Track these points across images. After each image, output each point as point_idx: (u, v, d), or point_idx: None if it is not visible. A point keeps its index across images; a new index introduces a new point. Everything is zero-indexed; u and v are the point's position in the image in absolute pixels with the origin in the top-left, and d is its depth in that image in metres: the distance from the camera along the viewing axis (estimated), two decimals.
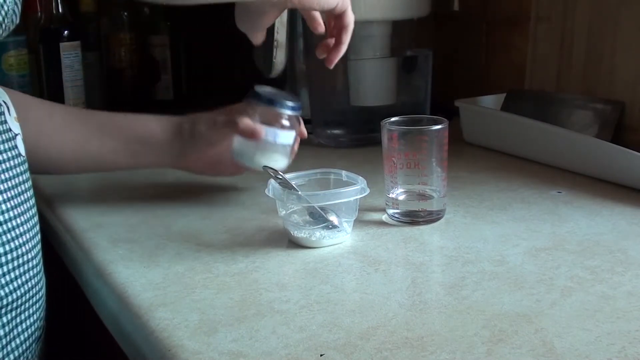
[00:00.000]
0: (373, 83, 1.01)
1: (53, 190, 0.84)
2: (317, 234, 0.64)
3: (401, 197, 0.70)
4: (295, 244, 0.65)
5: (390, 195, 0.70)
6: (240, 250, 0.65)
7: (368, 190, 0.66)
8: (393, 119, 0.71)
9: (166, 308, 0.54)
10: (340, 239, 0.65)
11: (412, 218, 0.70)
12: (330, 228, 0.65)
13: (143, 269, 0.62)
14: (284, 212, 0.66)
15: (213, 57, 1.39)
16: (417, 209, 0.69)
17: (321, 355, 0.46)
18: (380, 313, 0.52)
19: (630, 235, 0.65)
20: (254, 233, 0.69)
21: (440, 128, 0.68)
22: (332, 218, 0.65)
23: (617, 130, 0.87)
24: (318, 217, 0.65)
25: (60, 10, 1.14)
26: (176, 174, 0.87)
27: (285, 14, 0.98)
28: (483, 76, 1.21)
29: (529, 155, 0.90)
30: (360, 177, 0.67)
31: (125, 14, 1.30)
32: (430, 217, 0.70)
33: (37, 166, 0.71)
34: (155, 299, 0.56)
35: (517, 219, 0.70)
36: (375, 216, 0.72)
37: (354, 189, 0.65)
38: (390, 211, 0.71)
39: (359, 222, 0.69)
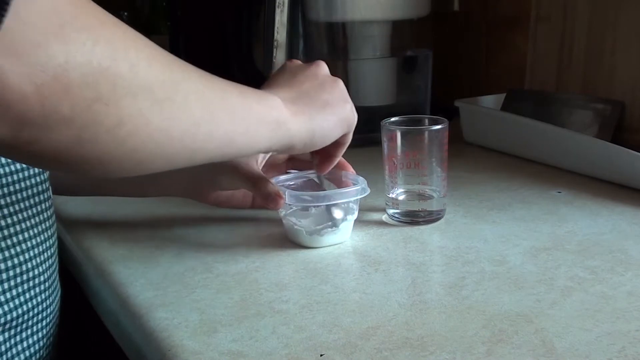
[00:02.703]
0: (373, 83, 1.01)
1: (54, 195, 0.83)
2: (317, 234, 0.64)
3: (401, 197, 0.70)
4: (296, 244, 0.65)
5: (390, 195, 0.70)
6: (240, 250, 0.65)
7: (369, 190, 0.66)
8: (393, 119, 0.71)
9: (166, 308, 0.54)
10: (340, 239, 0.65)
11: (412, 218, 0.70)
12: (332, 227, 0.65)
13: (143, 269, 0.62)
14: (284, 212, 0.66)
15: (213, 57, 1.39)
16: (417, 209, 0.69)
17: (321, 355, 0.46)
18: (380, 313, 0.52)
19: (630, 235, 0.65)
20: (254, 233, 0.69)
21: (440, 128, 0.68)
22: (337, 213, 0.65)
23: (617, 130, 0.87)
24: (321, 214, 0.65)
25: None
26: None
27: (285, 14, 0.99)
28: (483, 76, 1.21)
29: (529, 155, 0.90)
30: (361, 177, 0.67)
31: (125, 14, 1.30)
32: (430, 217, 0.70)
33: (59, 187, 0.71)
34: (155, 299, 0.56)
35: (517, 219, 0.70)
36: (375, 216, 0.72)
37: (355, 189, 0.65)
38: (390, 211, 0.71)
39: (359, 222, 0.69)
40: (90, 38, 0.37)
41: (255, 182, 0.63)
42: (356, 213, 0.67)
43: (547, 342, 0.47)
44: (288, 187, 0.67)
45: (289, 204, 0.64)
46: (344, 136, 0.61)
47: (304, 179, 0.69)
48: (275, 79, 0.60)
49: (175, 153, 0.44)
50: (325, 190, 0.68)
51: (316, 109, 0.57)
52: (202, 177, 0.68)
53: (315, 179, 0.70)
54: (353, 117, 0.61)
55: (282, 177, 0.69)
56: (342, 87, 0.61)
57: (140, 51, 0.41)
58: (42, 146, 0.37)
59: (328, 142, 0.59)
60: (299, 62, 0.63)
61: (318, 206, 0.65)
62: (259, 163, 0.67)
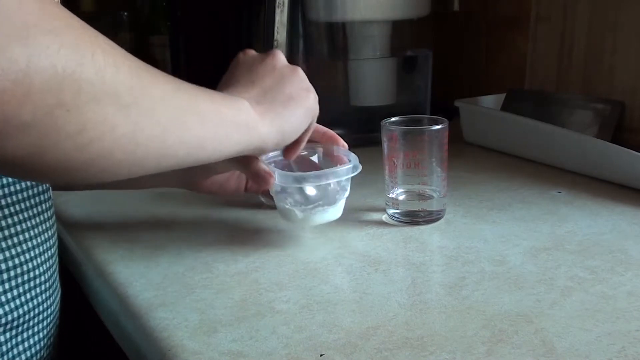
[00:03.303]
0: (373, 83, 1.01)
1: (53, 190, 0.83)
2: (309, 213, 0.63)
3: (401, 197, 0.70)
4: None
5: (390, 195, 0.70)
6: (240, 250, 0.65)
7: (360, 168, 0.64)
8: (393, 119, 0.71)
9: (166, 308, 0.54)
10: (332, 217, 0.64)
11: (412, 218, 0.70)
12: (322, 205, 0.64)
13: (143, 269, 0.62)
14: (275, 190, 0.64)
15: (213, 57, 1.39)
16: (417, 209, 0.69)
17: (321, 355, 0.46)
18: (380, 313, 0.52)
19: (630, 235, 0.65)
20: (254, 233, 0.69)
21: (440, 128, 0.68)
22: (309, 190, 0.64)
23: (617, 130, 0.87)
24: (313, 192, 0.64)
25: None
26: None
27: (285, 14, 0.99)
28: (483, 76, 1.21)
29: (529, 155, 0.90)
30: (353, 154, 0.66)
31: (125, 14, 1.30)
32: (430, 217, 0.70)
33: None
34: (155, 299, 0.56)
35: (517, 219, 0.70)
36: (375, 216, 0.72)
37: (346, 168, 0.63)
38: (390, 211, 0.71)
39: (359, 222, 0.69)
40: (56, 41, 0.36)
41: (246, 161, 0.62)
42: (348, 191, 0.65)
43: (547, 342, 0.47)
44: (278, 162, 0.65)
45: (279, 184, 0.63)
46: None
47: (300, 153, 0.66)
48: (232, 75, 0.59)
49: (141, 159, 0.44)
50: (317, 165, 0.66)
51: (282, 105, 0.56)
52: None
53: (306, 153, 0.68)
54: (316, 105, 0.60)
55: (272, 153, 0.66)
56: (302, 76, 0.60)
57: (108, 56, 0.40)
58: (1, 153, 0.36)
59: (297, 136, 0.59)
60: (253, 52, 0.62)
61: (309, 185, 0.63)
62: None
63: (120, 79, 0.40)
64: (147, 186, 0.74)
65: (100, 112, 0.39)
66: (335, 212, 0.65)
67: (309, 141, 0.67)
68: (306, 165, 0.68)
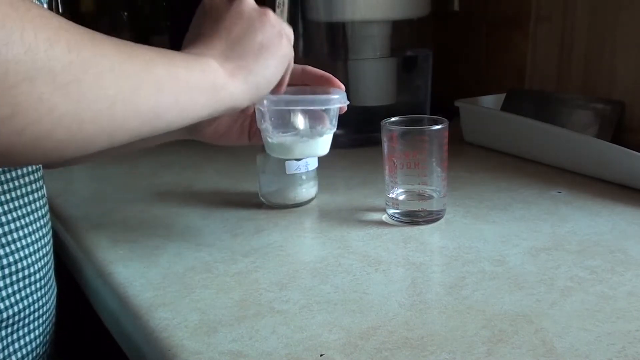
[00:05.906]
0: (373, 83, 1.01)
1: (52, 190, 0.83)
2: (285, 144, 0.62)
3: (401, 197, 0.70)
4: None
5: (390, 195, 0.70)
6: (240, 250, 0.65)
7: (342, 103, 0.62)
8: (393, 119, 0.71)
9: (166, 308, 0.54)
10: (312, 152, 0.63)
11: (412, 218, 0.70)
12: (295, 135, 0.62)
13: (143, 269, 0.62)
14: (263, 125, 0.62)
15: None
16: (417, 209, 0.69)
17: (321, 355, 0.46)
18: (380, 313, 0.52)
19: (630, 235, 0.65)
20: (254, 233, 0.69)
21: (440, 128, 0.68)
22: (299, 121, 0.62)
23: (617, 130, 0.87)
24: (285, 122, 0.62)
25: (60, 11, 1.14)
26: (175, 175, 0.87)
27: (285, 13, 0.98)
28: (483, 76, 1.21)
29: (529, 155, 0.90)
30: (343, 93, 0.63)
31: (125, 14, 1.30)
32: (430, 217, 0.70)
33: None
34: (155, 299, 0.56)
35: (517, 219, 0.70)
36: (375, 216, 0.72)
37: (334, 98, 0.61)
38: (390, 211, 0.71)
39: (359, 222, 0.69)
40: None
41: None
42: (334, 127, 0.63)
43: (547, 342, 0.47)
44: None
45: (260, 109, 0.60)
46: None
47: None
48: (198, 28, 0.57)
49: (89, 137, 0.42)
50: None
51: (254, 58, 0.54)
52: None
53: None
54: (290, 51, 0.57)
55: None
56: (272, 20, 0.56)
57: (40, 32, 0.37)
58: None
59: (273, 86, 0.56)
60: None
61: (280, 108, 0.61)
62: None
63: (55, 55, 0.38)
64: (157, 142, 0.73)
65: (33, 94, 0.37)
66: (316, 147, 0.63)
67: (307, 85, 0.64)
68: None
